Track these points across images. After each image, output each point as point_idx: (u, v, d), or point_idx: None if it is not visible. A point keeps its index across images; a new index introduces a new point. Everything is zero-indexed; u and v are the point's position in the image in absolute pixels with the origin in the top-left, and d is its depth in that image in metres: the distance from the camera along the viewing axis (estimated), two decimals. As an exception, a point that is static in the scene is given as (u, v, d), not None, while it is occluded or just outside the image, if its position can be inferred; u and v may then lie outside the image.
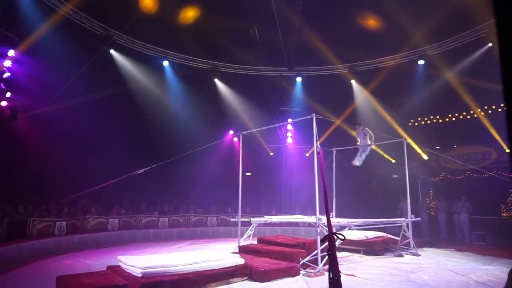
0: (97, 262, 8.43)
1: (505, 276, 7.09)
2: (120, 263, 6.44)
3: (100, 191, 9.02)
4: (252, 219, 10.48)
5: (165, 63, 15.25)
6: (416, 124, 16.36)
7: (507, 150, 13.10)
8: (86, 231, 11.54)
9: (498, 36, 0.85)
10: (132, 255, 7.75)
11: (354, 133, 10.57)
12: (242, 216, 10.14)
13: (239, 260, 6.94)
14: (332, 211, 11.91)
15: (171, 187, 15.31)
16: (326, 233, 4.28)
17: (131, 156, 12.78)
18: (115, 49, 14.02)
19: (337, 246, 5.99)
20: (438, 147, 14.78)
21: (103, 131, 13.52)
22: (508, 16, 0.85)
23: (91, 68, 12.75)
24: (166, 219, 13.93)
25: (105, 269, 6.59)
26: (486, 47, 12.89)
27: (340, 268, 3.99)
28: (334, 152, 12.72)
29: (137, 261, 6.09)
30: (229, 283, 6.49)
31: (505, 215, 12.80)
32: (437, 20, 11.98)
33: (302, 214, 12.62)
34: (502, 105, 13.81)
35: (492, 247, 11.07)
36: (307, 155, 16.98)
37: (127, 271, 6.05)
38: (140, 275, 5.64)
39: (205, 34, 14.19)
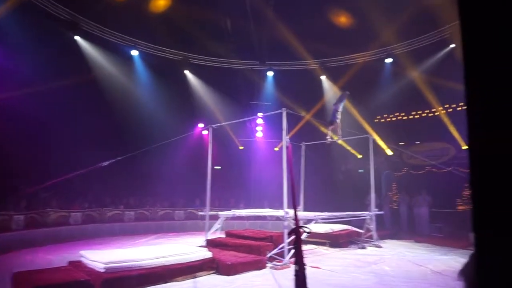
0: (59, 257, 8.13)
1: (458, 265, 7.54)
2: (82, 258, 6.26)
3: (62, 184, 8.69)
4: (220, 212, 10.48)
5: (134, 52, 14.79)
6: (382, 120, 16.89)
7: (464, 147, 13.84)
8: (47, 225, 11.08)
9: (462, 35, 0.89)
10: (95, 249, 7.54)
11: (325, 131, 10.76)
12: (210, 210, 10.11)
13: (206, 254, 6.94)
14: (299, 205, 12.11)
15: (137, 180, 14.96)
16: (293, 227, 4.35)
17: (96, 147, 12.35)
18: (81, 36, 13.41)
19: (303, 239, 6.12)
20: (401, 143, 15.35)
21: (67, 120, 12.95)
22: (472, 17, 0.89)
23: (55, 54, 12.13)
24: (132, 212, 13.63)
25: (66, 264, 6.38)
26: (449, 47, 13.45)
27: (306, 260, 4.07)
28: (303, 146, 12.91)
29: (100, 256, 5.94)
30: (195, 277, 6.47)
31: (460, 208, 13.54)
32: (405, 19, 12.36)
33: (270, 208, 12.75)
34: (461, 104, 14.54)
35: (448, 238, 11.70)
36: (276, 149, 17.11)
37: (90, 266, 5.88)
38: (103, 270, 5.51)
39: (176, 24, 13.85)
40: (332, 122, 10.13)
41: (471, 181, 0.87)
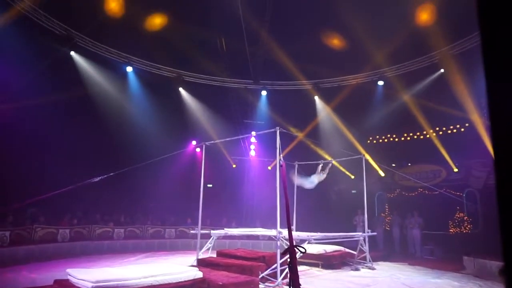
0: (44, 275, 7.86)
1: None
2: (69, 277, 6.04)
3: (51, 199, 8.50)
4: (212, 231, 10.31)
5: (129, 69, 14.84)
6: (375, 141, 17.05)
7: (455, 170, 13.96)
8: (33, 242, 10.75)
9: (483, 46, 0.88)
10: (83, 267, 7.32)
11: (318, 150, 10.93)
12: (202, 228, 9.95)
13: (197, 274, 6.76)
14: (292, 224, 11.99)
15: (128, 197, 14.73)
16: (286, 247, 4.29)
17: (88, 163, 12.20)
18: (76, 51, 13.45)
19: (297, 259, 6.02)
20: (394, 165, 15.44)
21: (59, 135, 12.75)
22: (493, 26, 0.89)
23: (50, 68, 12.11)
24: (122, 230, 13.35)
25: (52, 283, 6.16)
26: (439, 72, 13.77)
27: (300, 281, 3.99)
28: (296, 166, 12.89)
29: (88, 274, 5.75)
30: (186, 298, 6.28)
31: (452, 230, 13.54)
32: (396, 44, 12.68)
33: (262, 227, 12.60)
34: (451, 127, 14.78)
35: (440, 261, 11.63)
36: (269, 168, 17.09)
37: (77, 285, 5.68)
38: (91, 290, 5.31)
39: (171, 42, 14.00)
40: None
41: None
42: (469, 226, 13.20)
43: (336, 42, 14.38)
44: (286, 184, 5.48)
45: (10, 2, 10.80)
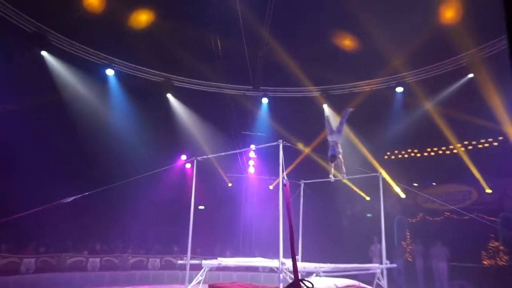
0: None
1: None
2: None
3: (15, 223, 8.39)
4: (203, 261, 10.18)
5: (110, 71, 14.92)
6: (393, 157, 17.03)
7: (488, 191, 13.89)
8: (-9, 273, 10.64)
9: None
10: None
11: (327, 167, 10.72)
12: (191, 258, 9.82)
13: (185, 312, 6.66)
14: (297, 254, 11.87)
15: (106, 220, 14.61)
16: (290, 280, 4.21)
17: (59, 180, 12.17)
18: (49, 51, 13.55)
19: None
20: (416, 184, 15.37)
21: (27, 147, 12.74)
22: None
23: (18, 71, 12.20)
24: (98, 259, 13.30)
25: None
26: (467, 77, 13.81)
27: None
28: (302, 185, 12.82)
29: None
30: None
31: (486, 262, 13.38)
32: (417, 45, 12.75)
33: (262, 257, 12.46)
34: (482, 141, 14.78)
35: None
36: (271, 187, 17.04)
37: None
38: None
39: (159, 42, 14.14)
40: (333, 157, 9.91)
41: None
42: (505, 258, 13.05)
43: (347, 43, 14.48)
44: (290, 206, 5.43)
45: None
